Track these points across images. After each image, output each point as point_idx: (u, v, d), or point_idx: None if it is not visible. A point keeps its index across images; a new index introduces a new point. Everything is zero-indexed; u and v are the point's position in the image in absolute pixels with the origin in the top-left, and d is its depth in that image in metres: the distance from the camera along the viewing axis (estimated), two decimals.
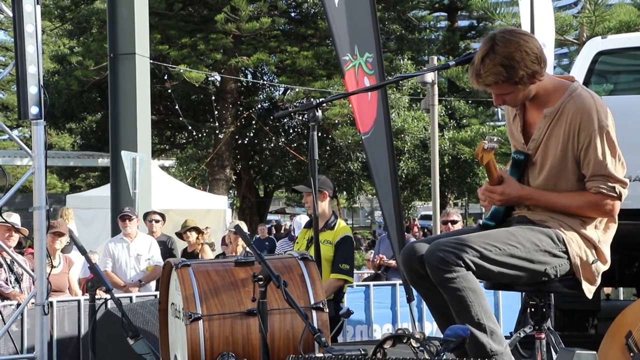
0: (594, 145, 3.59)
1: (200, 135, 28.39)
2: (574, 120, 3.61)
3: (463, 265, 3.50)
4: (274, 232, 26.35)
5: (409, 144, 26.17)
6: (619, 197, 3.65)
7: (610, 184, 3.62)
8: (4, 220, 6.76)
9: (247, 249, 7.36)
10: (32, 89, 5.89)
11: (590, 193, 3.65)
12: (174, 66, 24.82)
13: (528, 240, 3.61)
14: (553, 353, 3.88)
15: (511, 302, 8.79)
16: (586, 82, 6.24)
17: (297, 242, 6.93)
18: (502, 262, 3.57)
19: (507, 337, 3.80)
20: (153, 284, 9.76)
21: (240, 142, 28.03)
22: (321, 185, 6.51)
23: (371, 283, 9.80)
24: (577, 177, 3.69)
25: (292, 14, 28.99)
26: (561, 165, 3.68)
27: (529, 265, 3.60)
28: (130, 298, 8.43)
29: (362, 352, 3.47)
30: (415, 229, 23.92)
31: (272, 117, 27.72)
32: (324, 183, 6.62)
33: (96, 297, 4.78)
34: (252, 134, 28.13)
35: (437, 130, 21.83)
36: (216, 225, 19.58)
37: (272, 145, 28.69)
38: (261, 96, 30.23)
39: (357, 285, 9.72)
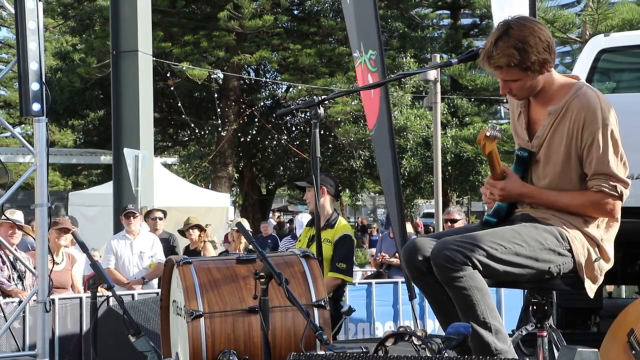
0: (597, 144, 3.58)
1: (202, 132, 28.40)
2: (578, 118, 3.61)
3: (470, 264, 3.50)
4: (286, 224, 26.42)
5: (411, 141, 26.13)
6: (620, 197, 3.64)
7: (612, 182, 3.61)
8: (6, 218, 6.78)
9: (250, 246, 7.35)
10: (34, 86, 5.89)
11: (592, 192, 3.64)
12: (176, 63, 24.81)
13: (533, 238, 3.60)
14: (555, 351, 3.87)
15: (513, 300, 8.79)
16: (589, 80, 6.22)
17: (300, 241, 6.92)
18: (507, 261, 3.56)
19: (509, 335, 3.79)
20: (155, 281, 9.77)
21: (242, 139, 28.01)
22: (320, 181, 6.46)
23: (373, 281, 9.81)
24: (580, 175, 3.68)
25: (295, 12, 28.98)
26: (564, 163, 3.67)
27: (533, 264, 3.60)
28: (132, 295, 8.44)
29: (364, 350, 3.46)
30: (420, 227, 23.82)
31: (274, 115, 27.73)
32: (323, 180, 6.57)
33: (98, 294, 4.78)
34: (254, 132, 28.12)
35: (439, 128, 21.79)
36: (218, 223, 19.58)
37: (275, 143, 28.68)
38: (264, 94, 30.23)
39: (359, 283, 9.74)
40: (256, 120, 27.93)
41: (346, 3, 7.66)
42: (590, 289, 3.72)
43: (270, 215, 31.55)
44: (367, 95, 7.70)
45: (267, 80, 29.72)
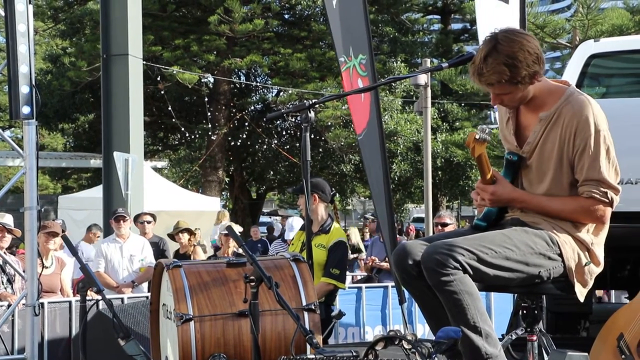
0: (589, 150, 3.58)
1: (193, 136, 28.35)
2: (570, 124, 3.60)
3: (460, 268, 3.49)
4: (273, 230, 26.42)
5: (401, 146, 26.18)
6: (611, 204, 3.64)
7: (602, 189, 3.61)
8: None
9: (239, 250, 7.34)
10: (24, 89, 5.88)
11: (582, 198, 3.64)
12: (167, 67, 24.78)
13: (523, 242, 3.60)
14: (545, 355, 3.88)
15: (503, 304, 8.79)
16: (579, 85, 6.23)
17: (292, 244, 6.90)
18: (497, 265, 3.56)
19: (499, 339, 3.79)
20: (145, 285, 9.75)
21: (233, 143, 27.98)
22: (311, 188, 6.44)
23: (363, 285, 9.79)
24: (571, 181, 3.68)
25: (286, 16, 28.99)
26: (556, 169, 3.67)
27: (523, 268, 3.60)
28: (122, 299, 8.42)
29: (354, 354, 3.46)
30: (411, 232, 23.81)
31: (264, 119, 27.72)
32: (315, 186, 6.54)
33: (87, 298, 4.77)
34: (244, 136, 28.09)
35: (429, 132, 21.85)
36: (208, 227, 19.54)
37: (265, 147, 28.66)
38: (254, 98, 30.21)
39: (349, 287, 9.73)
40: (246, 124, 27.91)
41: (332, 8, 7.62)
42: (581, 293, 3.72)
43: (276, 219, 31.42)
44: (357, 100, 7.69)
45: (258, 84, 29.71)
